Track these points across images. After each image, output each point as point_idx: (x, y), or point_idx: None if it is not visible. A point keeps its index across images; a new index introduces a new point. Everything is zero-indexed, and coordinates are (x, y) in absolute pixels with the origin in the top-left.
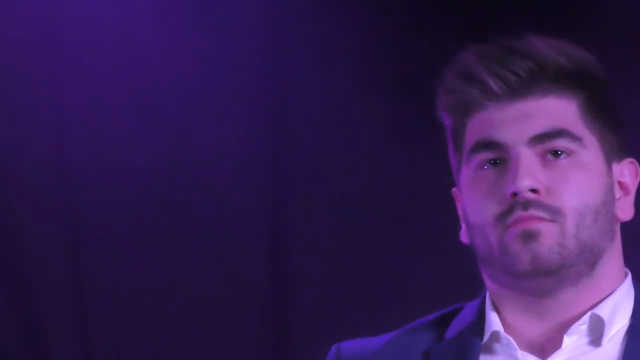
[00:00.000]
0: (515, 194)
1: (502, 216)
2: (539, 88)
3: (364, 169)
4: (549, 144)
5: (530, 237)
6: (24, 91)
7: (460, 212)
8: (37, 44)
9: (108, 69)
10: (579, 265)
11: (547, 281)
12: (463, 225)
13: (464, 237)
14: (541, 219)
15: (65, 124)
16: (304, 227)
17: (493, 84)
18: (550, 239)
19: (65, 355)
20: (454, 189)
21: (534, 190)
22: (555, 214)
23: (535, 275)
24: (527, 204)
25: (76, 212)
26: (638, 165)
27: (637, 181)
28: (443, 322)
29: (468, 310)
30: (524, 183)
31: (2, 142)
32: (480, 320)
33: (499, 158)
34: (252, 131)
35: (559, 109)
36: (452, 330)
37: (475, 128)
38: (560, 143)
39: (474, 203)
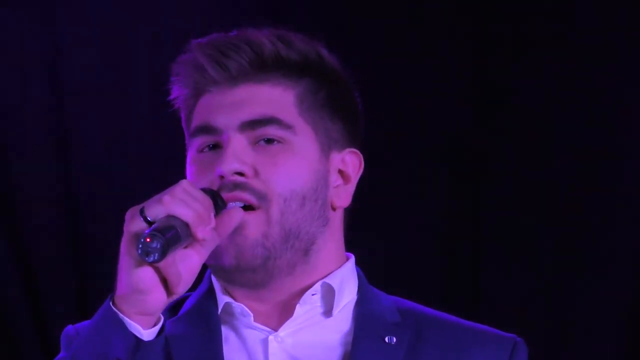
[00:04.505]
0: (222, 177)
1: None
2: (256, 77)
3: None
4: (260, 131)
5: (235, 230)
6: None
7: None
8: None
9: None
10: (286, 254)
11: (254, 276)
12: None
13: None
14: (247, 202)
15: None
16: None
17: (212, 70)
18: (255, 230)
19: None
20: None
21: (241, 174)
22: (261, 198)
23: (243, 271)
24: (233, 187)
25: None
26: (361, 156)
27: (360, 171)
28: (172, 309)
29: (197, 294)
30: (230, 166)
31: None
32: (212, 296)
33: (216, 142)
34: None
35: (272, 97)
36: (185, 308)
37: (198, 113)
38: (271, 131)
39: None
